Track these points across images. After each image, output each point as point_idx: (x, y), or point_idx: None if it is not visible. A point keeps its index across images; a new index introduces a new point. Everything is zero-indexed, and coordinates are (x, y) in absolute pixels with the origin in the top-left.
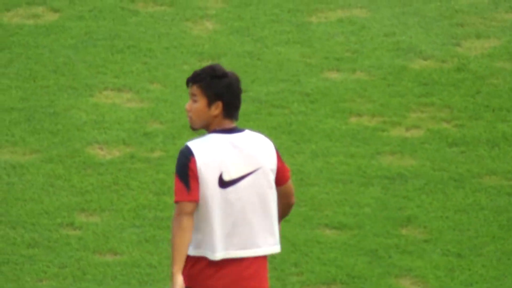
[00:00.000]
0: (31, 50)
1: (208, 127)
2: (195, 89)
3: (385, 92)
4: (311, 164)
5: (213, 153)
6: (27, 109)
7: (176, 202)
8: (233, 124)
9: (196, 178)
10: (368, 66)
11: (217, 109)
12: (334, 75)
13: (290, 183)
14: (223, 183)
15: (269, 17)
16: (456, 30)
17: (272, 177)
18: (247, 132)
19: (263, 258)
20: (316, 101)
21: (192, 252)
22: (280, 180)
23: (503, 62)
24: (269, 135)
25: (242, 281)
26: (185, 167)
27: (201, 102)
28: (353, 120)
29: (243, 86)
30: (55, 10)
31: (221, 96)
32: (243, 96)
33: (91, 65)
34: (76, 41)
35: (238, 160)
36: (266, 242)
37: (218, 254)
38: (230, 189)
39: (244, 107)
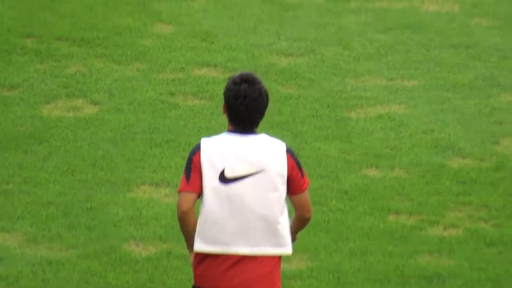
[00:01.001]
0: (70, 143)
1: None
2: None
3: (423, 190)
4: (349, 263)
5: (219, 149)
6: (64, 204)
7: (178, 192)
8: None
9: (198, 170)
10: (407, 163)
11: (224, 111)
12: (372, 172)
13: (306, 196)
14: (224, 179)
15: (308, 112)
16: (495, 128)
17: (279, 181)
18: (260, 136)
19: (262, 257)
20: (355, 198)
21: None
22: (294, 189)
23: None
24: (306, 232)
25: (226, 276)
26: (190, 160)
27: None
28: (391, 218)
29: None
30: (95, 103)
31: (225, 100)
32: None
33: (130, 159)
34: (115, 134)
35: (242, 160)
36: (258, 243)
37: (199, 245)
38: (231, 185)
39: None
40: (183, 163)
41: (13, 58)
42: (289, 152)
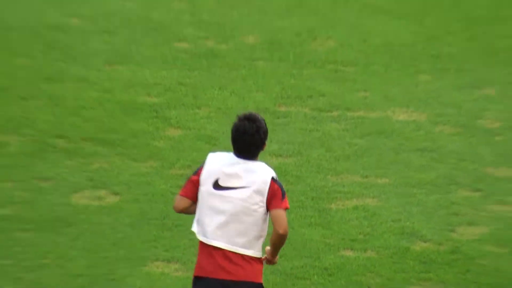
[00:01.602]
0: (95, 226)
1: None
2: None
3: (391, 269)
4: None
5: (220, 164)
6: (91, 276)
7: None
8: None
9: (193, 182)
10: (378, 246)
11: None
12: (349, 253)
13: (281, 213)
14: (218, 186)
15: (295, 204)
16: (452, 218)
17: (260, 198)
18: (256, 162)
19: (240, 252)
20: (333, 274)
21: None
22: (273, 205)
23: (490, 246)
24: None
25: (217, 265)
26: (193, 173)
27: None
28: None
29: None
30: (115, 194)
31: (231, 132)
32: None
33: (145, 240)
34: (133, 220)
35: (236, 176)
36: (233, 241)
37: (201, 237)
38: (222, 192)
39: (272, 278)
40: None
41: (47, 155)
42: (274, 179)
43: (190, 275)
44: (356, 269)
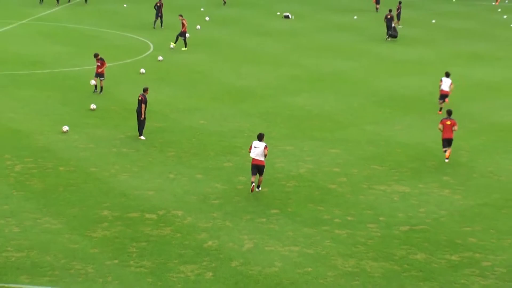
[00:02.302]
0: None
1: None
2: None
3: None
4: None
5: (254, 143)
6: None
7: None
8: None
9: (250, 146)
10: None
11: None
12: None
13: (267, 150)
14: (254, 147)
15: None
16: None
17: (264, 146)
18: (262, 142)
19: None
20: None
21: None
22: (264, 148)
23: None
24: None
25: (255, 162)
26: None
27: None
28: None
29: None
30: None
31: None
32: None
33: None
34: None
35: (258, 144)
36: (259, 156)
37: (252, 155)
38: (255, 146)
39: None
40: None
41: None
42: (266, 145)
43: None
44: None
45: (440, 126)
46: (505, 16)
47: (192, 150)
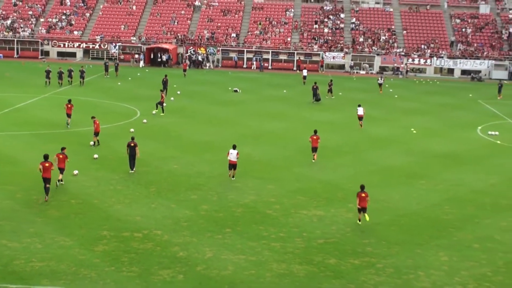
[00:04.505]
0: None
1: None
2: None
3: None
4: None
5: (230, 150)
6: None
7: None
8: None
9: (228, 153)
10: None
11: None
12: None
13: (238, 155)
14: (230, 153)
15: None
16: None
17: (236, 154)
18: (235, 150)
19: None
20: None
21: None
22: (237, 155)
23: None
24: None
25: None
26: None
27: None
28: None
29: None
30: None
31: None
32: None
33: None
34: None
35: (232, 152)
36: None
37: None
38: (230, 153)
39: None
40: None
41: None
42: (237, 151)
43: None
44: None
45: (358, 200)
46: (391, 90)
47: (168, 187)
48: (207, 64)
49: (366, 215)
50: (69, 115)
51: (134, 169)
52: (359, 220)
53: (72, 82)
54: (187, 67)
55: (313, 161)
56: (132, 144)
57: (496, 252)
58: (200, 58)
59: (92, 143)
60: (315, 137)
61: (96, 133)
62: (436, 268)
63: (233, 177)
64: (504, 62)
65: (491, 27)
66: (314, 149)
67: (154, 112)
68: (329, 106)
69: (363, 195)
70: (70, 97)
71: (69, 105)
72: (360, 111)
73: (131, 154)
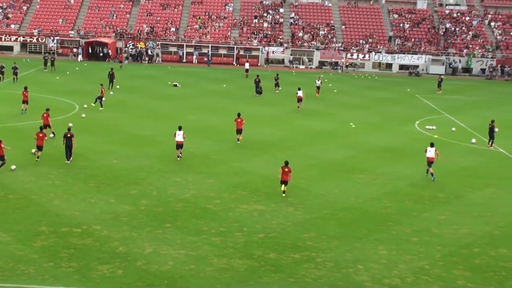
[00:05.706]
0: None
1: None
2: None
3: None
4: None
5: (177, 131)
6: None
7: None
8: None
9: (175, 134)
10: None
11: None
12: None
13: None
14: (177, 134)
15: None
16: None
17: (183, 135)
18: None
19: None
20: None
21: None
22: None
23: None
24: None
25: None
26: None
27: None
28: None
29: None
30: None
31: None
32: None
33: None
34: None
35: (178, 132)
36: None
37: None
38: (177, 134)
39: None
40: None
41: None
42: (183, 132)
43: None
44: None
45: (281, 173)
46: (330, 85)
47: (107, 182)
48: (157, 59)
49: (283, 185)
50: (25, 102)
51: (70, 159)
52: (284, 193)
53: (3, 79)
54: (124, 60)
55: (238, 142)
56: (69, 135)
57: (434, 245)
58: (150, 52)
59: (52, 135)
60: (239, 120)
61: (47, 126)
62: (375, 261)
63: (179, 157)
64: (441, 57)
65: (428, 23)
66: (239, 131)
67: (85, 105)
68: (269, 100)
69: (286, 169)
70: (6, 92)
71: (25, 92)
72: (300, 93)
73: (68, 145)
